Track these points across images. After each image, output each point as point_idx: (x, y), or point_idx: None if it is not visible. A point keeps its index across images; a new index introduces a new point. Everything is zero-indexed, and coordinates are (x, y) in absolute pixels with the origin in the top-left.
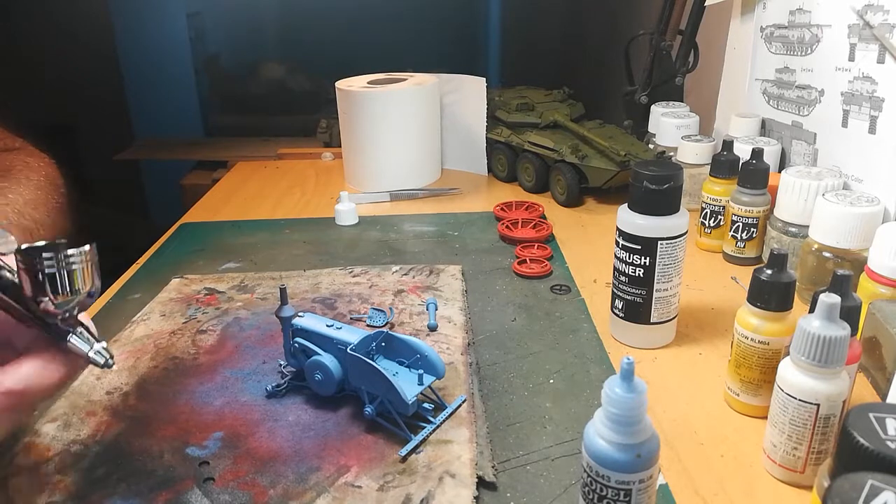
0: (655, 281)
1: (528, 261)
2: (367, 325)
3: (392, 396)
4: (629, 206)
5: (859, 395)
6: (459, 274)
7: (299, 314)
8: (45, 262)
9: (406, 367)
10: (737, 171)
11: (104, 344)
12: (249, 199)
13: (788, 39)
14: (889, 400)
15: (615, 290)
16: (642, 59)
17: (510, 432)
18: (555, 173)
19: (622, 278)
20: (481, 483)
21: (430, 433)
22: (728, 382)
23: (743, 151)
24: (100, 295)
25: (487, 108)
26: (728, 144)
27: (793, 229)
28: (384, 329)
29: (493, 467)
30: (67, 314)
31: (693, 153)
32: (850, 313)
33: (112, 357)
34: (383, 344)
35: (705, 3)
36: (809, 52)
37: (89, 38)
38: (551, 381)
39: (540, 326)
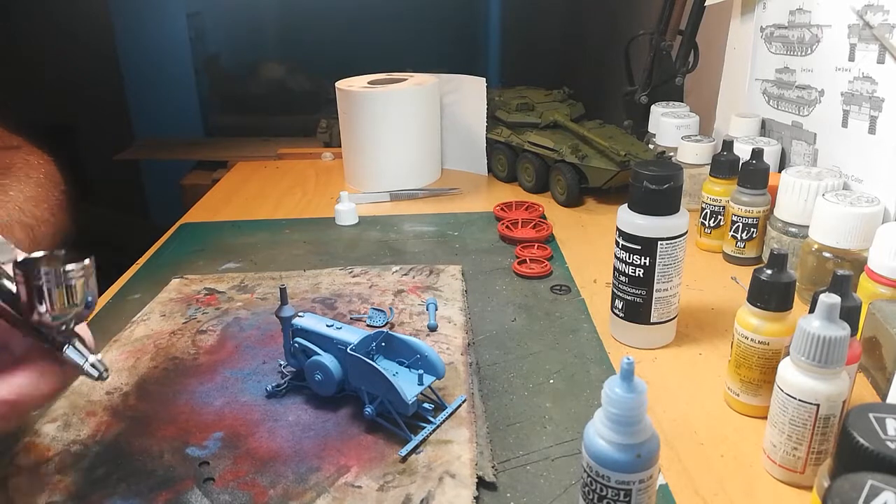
0: (655, 281)
1: (528, 261)
2: (367, 325)
3: (392, 396)
4: (629, 206)
5: (859, 395)
6: (459, 274)
7: (299, 314)
8: (43, 277)
9: (406, 367)
10: (737, 171)
11: (99, 357)
12: (249, 199)
13: (788, 39)
14: (889, 400)
15: (615, 290)
16: (642, 59)
17: (510, 432)
18: (555, 173)
19: (622, 278)
20: (481, 483)
21: (430, 433)
22: (728, 382)
23: (743, 151)
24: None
25: (487, 108)
26: (728, 144)
27: (793, 229)
28: (384, 329)
29: (493, 467)
30: (64, 327)
31: (693, 153)
32: (850, 313)
33: (107, 370)
34: (383, 344)
35: (705, 3)
36: (809, 52)
37: (89, 38)
38: (551, 381)
39: (540, 326)
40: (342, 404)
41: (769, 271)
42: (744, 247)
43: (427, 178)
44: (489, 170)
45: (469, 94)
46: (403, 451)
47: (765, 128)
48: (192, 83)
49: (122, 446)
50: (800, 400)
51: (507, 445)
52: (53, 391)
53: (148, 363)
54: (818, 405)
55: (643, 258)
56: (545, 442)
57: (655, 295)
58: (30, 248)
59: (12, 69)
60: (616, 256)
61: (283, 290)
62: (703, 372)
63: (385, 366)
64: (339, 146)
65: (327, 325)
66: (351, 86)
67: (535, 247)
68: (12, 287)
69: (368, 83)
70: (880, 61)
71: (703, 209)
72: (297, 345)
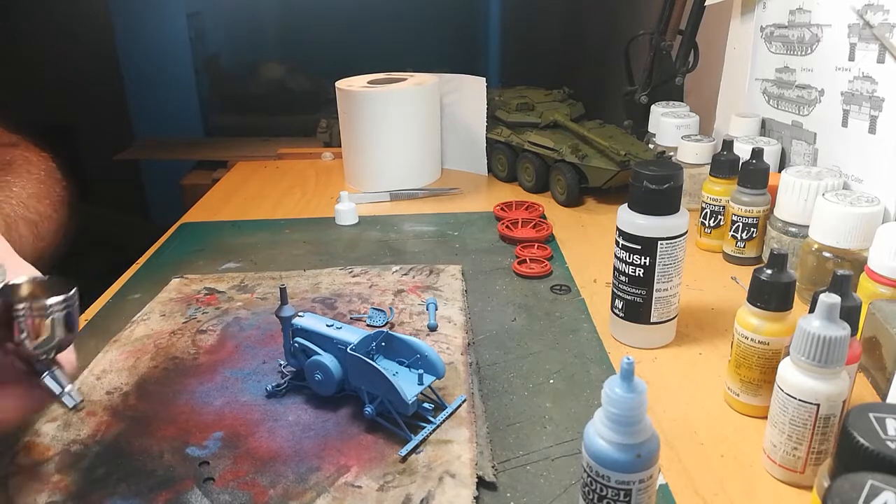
0: (655, 281)
1: (528, 261)
2: (367, 325)
3: (392, 396)
4: (629, 206)
5: (859, 395)
6: (459, 274)
7: (299, 314)
8: (22, 311)
9: (406, 367)
10: (737, 171)
11: (76, 387)
12: (249, 199)
13: (788, 39)
14: (889, 400)
15: (615, 290)
16: (642, 59)
17: (510, 432)
18: (555, 173)
19: (622, 278)
20: (481, 483)
21: (430, 433)
22: (728, 382)
23: (743, 151)
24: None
25: (487, 108)
26: (728, 144)
27: (793, 229)
28: (384, 329)
29: (493, 467)
30: (44, 356)
31: (693, 153)
32: (850, 313)
33: (83, 400)
34: (383, 344)
35: (705, 3)
36: (809, 51)
37: (89, 38)
38: (551, 381)
39: (540, 326)
40: (342, 404)
41: (769, 271)
42: (744, 247)
43: (427, 177)
44: (489, 170)
45: (469, 93)
46: (403, 451)
47: (765, 127)
48: (192, 83)
49: (122, 446)
50: (800, 400)
51: (507, 445)
52: (25, 413)
53: (148, 363)
54: (818, 405)
55: (643, 258)
56: (545, 442)
57: (655, 295)
58: (35, 244)
59: (12, 69)
60: (616, 256)
61: (283, 290)
62: (703, 372)
63: (385, 366)
64: (339, 146)
65: (327, 325)
66: (351, 86)
67: (535, 247)
68: None
69: (368, 83)
70: (880, 61)
71: (703, 209)
72: (297, 345)
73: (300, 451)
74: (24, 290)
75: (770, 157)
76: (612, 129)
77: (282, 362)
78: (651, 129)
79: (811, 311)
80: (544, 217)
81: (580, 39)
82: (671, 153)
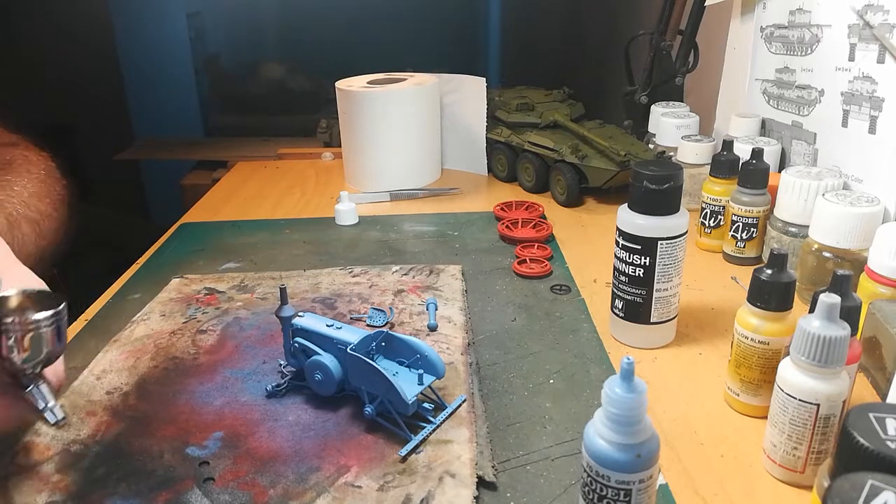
0: (655, 281)
1: (528, 261)
2: (367, 325)
3: (392, 396)
4: (629, 206)
5: (859, 395)
6: (459, 274)
7: (299, 314)
8: (9, 325)
9: (406, 367)
10: (737, 171)
11: (60, 403)
12: (249, 199)
13: (788, 39)
14: (889, 400)
15: (615, 290)
16: (642, 59)
17: (510, 432)
18: (555, 173)
19: (622, 278)
20: (481, 483)
21: (430, 433)
22: (728, 382)
23: (743, 151)
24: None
25: (487, 108)
26: (728, 144)
27: (793, 229)
28: (384, 329)
29: (493, 467)
30: (30, 370)
31: (693, 153)
32: (850, 313)
33: (65, 418)
34: (383, 344)
35: (705, 3)
36: (809, 52)
37: (89, 38)
38: (551, 381)
39: (540, 326)
40: (342, 404)
41: (769, 271)
42: (744, 247)
43: (427, 178)
44: (489, 170)
45: (469, 94)
46: (403, 451)
47: (765, 128)
48: (192, 83)
49: (122, 446)
50: (800, 400)
51: (507, 445)
52: (4, 425)
53: (148, 363)
54: (818, 405)
55: (643, 258)
56: (545, 442)
57: (655, 295)
58: (37, 242)
59: (12, 69)
60: (616, 256)
61: (283, 290)
62: (703, 372)
63: (385, 366)
64: (339, 146)
65: (327, 325)
66: (351, 86)
67: (535, 247)
68: None
69: (368, 83)
70: (880, 61)
71: (703, 209)
72: (297, 345)
73: (300, 451)
74: (13, 303)
75: (770, 157)
76: (612, 129)
77: (282, 362)
78: (651, 129)
79: (811, 311)
80: (544, 217)
81: (580, 39)
82: (671, 153)
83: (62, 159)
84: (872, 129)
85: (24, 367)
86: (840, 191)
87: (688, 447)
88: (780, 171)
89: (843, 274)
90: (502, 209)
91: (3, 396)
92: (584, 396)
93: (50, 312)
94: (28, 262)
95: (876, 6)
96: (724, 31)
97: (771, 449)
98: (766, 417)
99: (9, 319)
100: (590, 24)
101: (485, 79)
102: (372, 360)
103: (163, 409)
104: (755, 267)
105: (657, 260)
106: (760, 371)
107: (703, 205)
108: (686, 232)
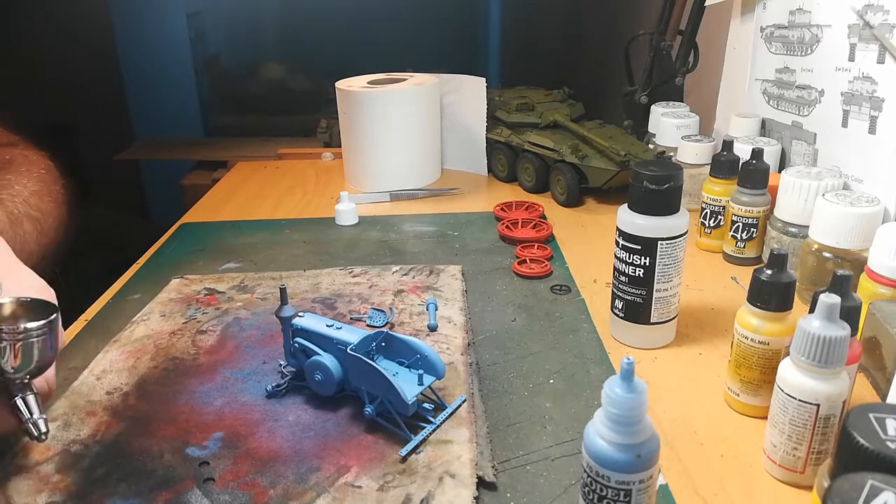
0: (655, 281)
1: (528, 261)
2: (367, 325)
3: (392, 396)
4: (629, 206)
5: (859, 395)
6: (459, 274)
7: (299, 314)
8: (0, 334)
9: (406, 367)
10: (737, 171)
11: (45, 417)
12: (249, 199)
13: (788, 39)
14: (889, 400)
15: (615, 290)
16: (642, 59)
17: (510, 432)
18: (555, 173)
19: (622, 278)
20: (481, 483)
21: (430, 433)
22: (728, 382)
23: (743, 151)
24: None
25: (487, 108)
26: (728, 144)
27: (793, 229)
28: (384, 329)
29: (493, 467)
30: (19, 380)
31: (693, 153)
32: (850, 313)
33: (47, 433)
34: (383, 344)
35: (705, 3)
36: (809, 52)
37: (89, 38)
38: (551, 381)
39: (540, 326)
40: (342, 404)
41: (769, 271)
42: (744, 247)
43: (427, 178)
44: (489, 170)
45: (469, 94)
46: (403, 451)
47: (765, 128)
48: (192, 83)
49: (122, 446)
50: (800, 400)
51: (507, 445)
52: None
53: (148, 363)
54: (818, 405)
55: (643, 258)
56: (545, 442)
57: (655, 295)
58: (39, 240)
59: (12, 69)
60: (616, 256)
61: (283, 290)
62: (703, 372)
63: (385, 366)
64: (339, 146)
65: (327, 325)
66: (351, 86)
67: (535, 247)
68: None
69: (368, 83)
70: (880, 61)
71: (703, 209)
72: (297, 345)
73: (300, 452)
74: (6, 311)
75: (770, 157)
76: (612, 129)
77: (282, 362)
78: (651, 129)
79: (811, 311)
80: (544, 217)
81: (580, 39)
82: (671, 153)
83: (62, 159)
84: (872, 130)
85: (13, 376)
86: (840, 191)
87: (688, 447)
88: (780, 172)
89: (843, 274)
90: (502, 209)
91: None
92: (584, 396)
93: (41, 322)
94: (31, 260)
95: (876, 6)
96: (724, 31)
97: (771, 449)
98: (766, 418)
99: (0, 327)
100: (590, 24)
101: (485, 79)
102: (372, 360)
103: (163, 410)
104: (755, 267)
105: (657, 260)
106: (760, 371)
107: (703, 205)
108: (686, 232)
